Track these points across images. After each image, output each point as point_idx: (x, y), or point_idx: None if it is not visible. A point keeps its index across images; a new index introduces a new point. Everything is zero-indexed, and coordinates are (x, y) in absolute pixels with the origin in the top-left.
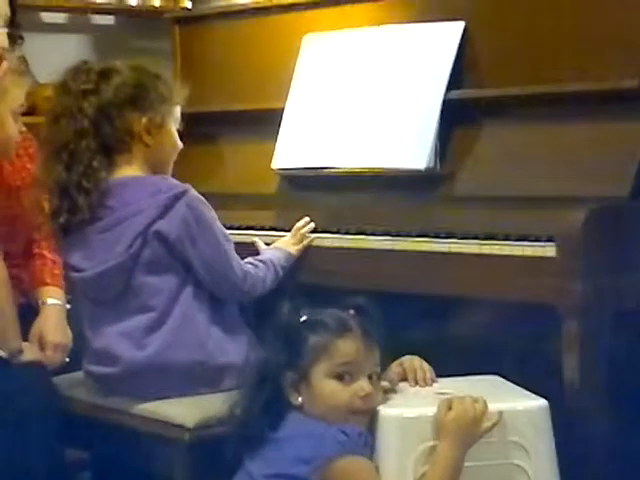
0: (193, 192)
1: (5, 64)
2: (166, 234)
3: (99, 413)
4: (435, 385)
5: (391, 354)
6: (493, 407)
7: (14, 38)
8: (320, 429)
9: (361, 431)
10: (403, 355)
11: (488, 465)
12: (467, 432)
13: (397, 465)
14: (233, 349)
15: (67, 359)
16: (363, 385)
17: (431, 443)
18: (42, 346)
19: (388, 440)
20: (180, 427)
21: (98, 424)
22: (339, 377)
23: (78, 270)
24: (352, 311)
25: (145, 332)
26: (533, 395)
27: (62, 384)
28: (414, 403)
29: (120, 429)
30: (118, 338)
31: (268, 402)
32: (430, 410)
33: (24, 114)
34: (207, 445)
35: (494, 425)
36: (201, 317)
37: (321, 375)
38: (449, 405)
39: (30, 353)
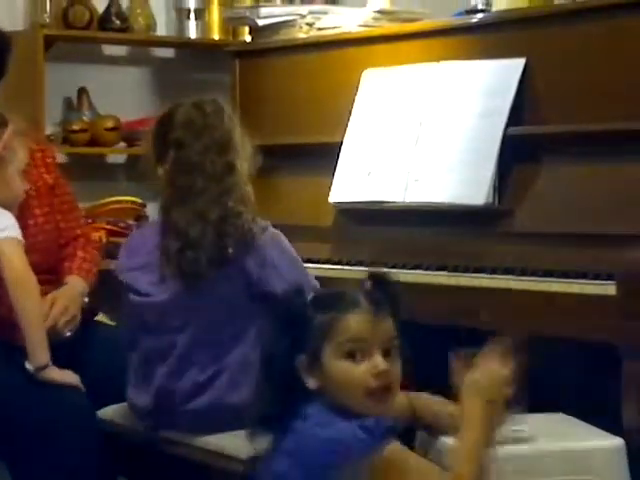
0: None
1: (11, 127)
2: (250, 271)
3: (152, 443)
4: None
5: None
6: (569, 445)
7: None
8: (337, 427)
9: (383, 421)
10: None
11: None
12: (491, 392)
13: None
14: None
15: (69, 333)
16: (376, 362)
17: None
18: (52, 308)
19: None
20: (234, 459)
21: (151, 454)
22: (350, 356)
23: (144, 295)
24: (367, 284)
25: (203, 371)
26: (608, 434)
27: (114, 413)
28: None
29: (173, 460)
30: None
31: (284, 389)
32: (505, 448)
33: (85, 144)
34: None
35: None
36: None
37: (331, 355)
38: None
39: (55, 374)
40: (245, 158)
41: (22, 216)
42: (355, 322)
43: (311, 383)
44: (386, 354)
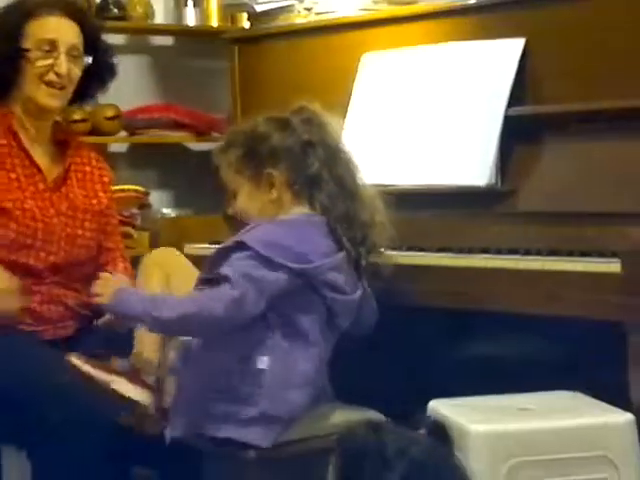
0: None
1: None
2: None
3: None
4: (517, 400)
5: (450, 371)
6: (580, 422)
7: None
8: None
9: None
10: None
11: None
12: None
13: None
14: None
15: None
16: None
17: (520, 459)
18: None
19: (478, 456)
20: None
21: (164, 441)
22: None
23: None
24: None
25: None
26: (618, 409)
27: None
28: (500, 419)
29: (187, 447)
30: None
31: None
32: (516, 426)
33: (86, 134)
34: (275, 465)
35: None
36: None
37: None
38: None
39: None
40: None
41: (73, 224)
42: None
43: None
44: None
